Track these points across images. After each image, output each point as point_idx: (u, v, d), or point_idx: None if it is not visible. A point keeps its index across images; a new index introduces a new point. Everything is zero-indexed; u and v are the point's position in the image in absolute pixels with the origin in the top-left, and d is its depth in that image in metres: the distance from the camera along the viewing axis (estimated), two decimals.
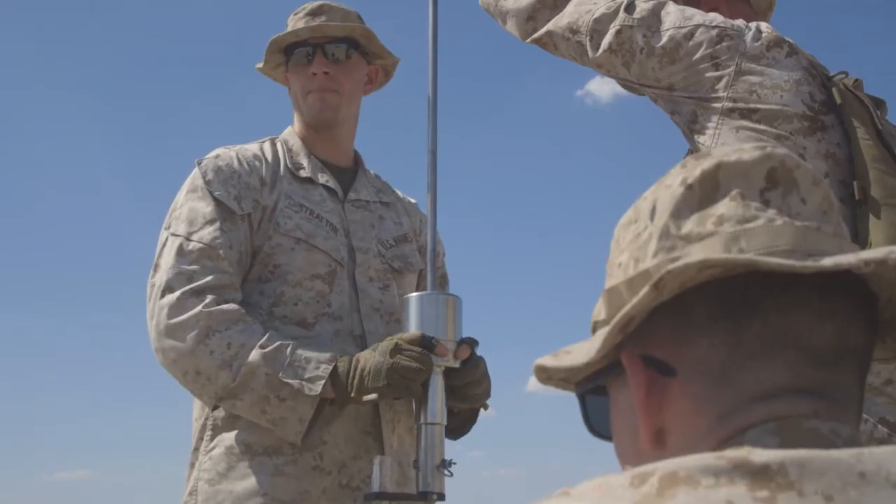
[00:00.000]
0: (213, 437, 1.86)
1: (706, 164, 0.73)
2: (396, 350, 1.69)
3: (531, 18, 2.03)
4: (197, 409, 1.93)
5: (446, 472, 1.66)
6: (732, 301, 0.67)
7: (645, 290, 0.67)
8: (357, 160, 2.17)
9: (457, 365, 1.75)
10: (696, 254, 0.68)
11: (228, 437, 1.84)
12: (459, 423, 1.89)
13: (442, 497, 1.66)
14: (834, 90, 1.82)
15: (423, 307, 1.75)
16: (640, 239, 0.74)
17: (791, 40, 1.90)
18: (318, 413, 1.76)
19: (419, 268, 2.11)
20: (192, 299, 1.78)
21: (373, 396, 1.71)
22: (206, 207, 1.87)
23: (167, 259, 1.84)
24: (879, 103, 1.87)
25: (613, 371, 0.74)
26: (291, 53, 2.06)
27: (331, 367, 1.74)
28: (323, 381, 1.73)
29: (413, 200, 2.26)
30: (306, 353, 1.77)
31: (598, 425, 0.81)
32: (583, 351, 0.75)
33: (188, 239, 1.84)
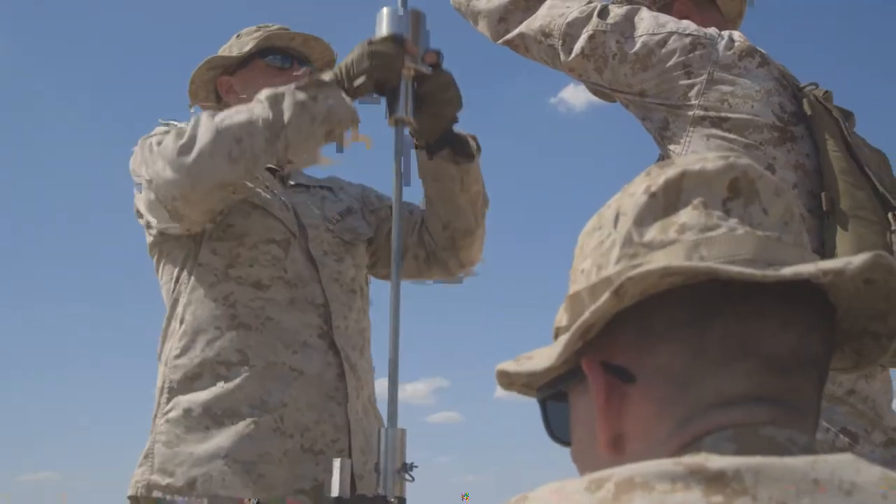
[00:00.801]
0: (168, 400, 1.84)
1: (670, 172, 0.73)
2: (371, 43, 1.82)
3: (503, 20, 2.02)
4: (159, 378, 1.91)
5: (407, 476, 1.64)
6: (693, 309, 0.68)
7: (606, 296, 0.67)
8: None
9: (426, 69, 1.86)
10: (657, 261, 0.69)
11: (185, 400, 1.82)
12: (438, 122, 1.97)
13: (402, 502, 1.64)
14: (804, 101, 1.82)
15: (391, 18, 1.88)
16: (604, 246, 0.74)
17: (763, 50, 1.90)
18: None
19: (368, 235, 2.14)
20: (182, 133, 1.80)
21: (361, 80, 1.80)
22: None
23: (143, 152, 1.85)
24: (848, 115, 1.87)
25: (574, 377, 0.75)
26: (254, 59, 2.10)
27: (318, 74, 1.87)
28: (328, 73, 1.84)
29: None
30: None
31: (558, 431, 0.81)
32: (544, 356, 0.75)
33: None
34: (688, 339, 0.68)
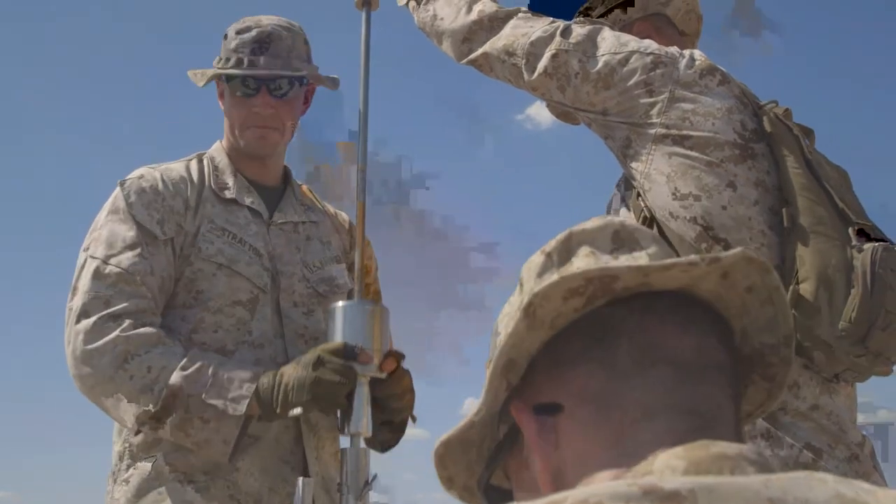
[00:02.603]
0: (129, 467, 1.82)
1: (560, 236, 0.80)
2: (319, 363, 1.66)
3: (467, 40, 2.03)
4: (115, 433, 1.88)
5: (370, 486, 1.63)
6: (599, 328, 0.72)
7: (517, 317, 0.71)
8: (286, 176, 2.12)
9: (382, 376, 1.72)
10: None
11: (143, 465, 1.80)
12: (388, 436, 1.85)
13: None
14: (765, 119, 1.85)
15: (347, 317, 1.71)
16: (513, 308, 0.81)
17: (723, 69, 1.92)
18: (244, 432, 1.72)
19: (348, 288, 2.07)
20: (109, 324, 1.74)
21: (298, 411, 1.67)
22: (127, 231, 1.83)
23: (84, 282, 1.79)
24: (808, 132, 1.90)
25: (508, 441, 0.77)
26: (218, 82, 1.99)
27: (254, 386, 1.71)
28: (247, 400, 1.70)
29: (345, 216, 2.22)
30: (228, 373, 1.73)
31: None
32: (474, 409, 0.77)
33: (106, 262, 1.79)
34: (599, 357, 0.71)
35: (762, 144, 1.84)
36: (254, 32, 1.95)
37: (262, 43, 1.94)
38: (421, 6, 2.12)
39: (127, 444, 1.83)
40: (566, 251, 0.79)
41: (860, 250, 1.69)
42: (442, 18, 2.07)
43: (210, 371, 1.72)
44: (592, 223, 0.80)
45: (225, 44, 1.98)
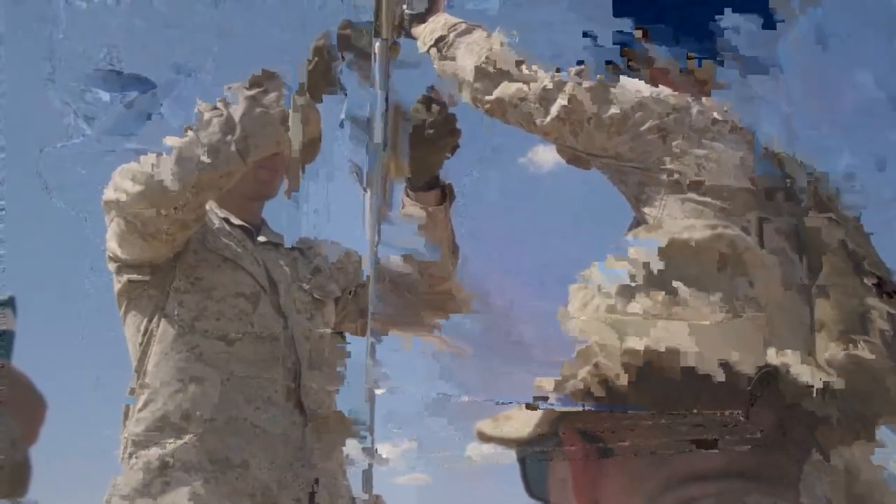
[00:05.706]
0: (130, 456, 1.81)
1: (656, 241, 0.73)
2: None
3: (481, 87, 2.02)
4: (123, 431, 1.88)
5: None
6: (671, 390, 0.68)
7: (584, 374, 0.69)
8: (263, 221, 2.22)
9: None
10: (634, 335, 0.69)
11: (145, 454, 1.79)
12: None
13: None
14: (778, 165, 1.84)
15: None
16: (588, 308, 0.76)
17: (735, 116, 1.92)
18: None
19: (337, 294, 2.15)
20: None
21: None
22: None
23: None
24: (821, 179, 1.89)
25: (554, 439, 0.74)
26: None
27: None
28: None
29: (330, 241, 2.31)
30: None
31: (537, 489, 0.80)
32: (520, 421, 0.75)
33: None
34: (664, 417, 0.67)
35: (776, 191, 1.83)
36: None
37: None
38: (442, 53, 2.10)
39: (127, 435, 1.83)
40: (661, 264, 0.73)
41: (877, 300, 1.67)
42: (462, 67, 2.06)
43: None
44: (700, 233, 0.74)
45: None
